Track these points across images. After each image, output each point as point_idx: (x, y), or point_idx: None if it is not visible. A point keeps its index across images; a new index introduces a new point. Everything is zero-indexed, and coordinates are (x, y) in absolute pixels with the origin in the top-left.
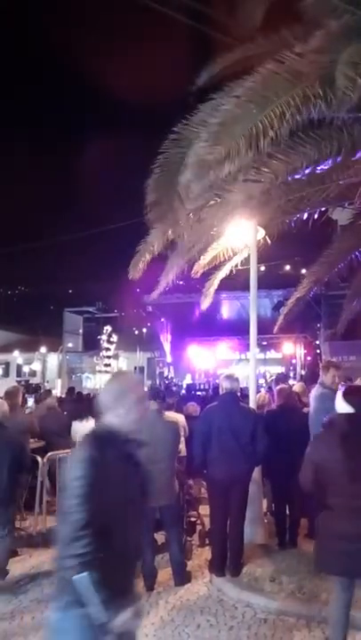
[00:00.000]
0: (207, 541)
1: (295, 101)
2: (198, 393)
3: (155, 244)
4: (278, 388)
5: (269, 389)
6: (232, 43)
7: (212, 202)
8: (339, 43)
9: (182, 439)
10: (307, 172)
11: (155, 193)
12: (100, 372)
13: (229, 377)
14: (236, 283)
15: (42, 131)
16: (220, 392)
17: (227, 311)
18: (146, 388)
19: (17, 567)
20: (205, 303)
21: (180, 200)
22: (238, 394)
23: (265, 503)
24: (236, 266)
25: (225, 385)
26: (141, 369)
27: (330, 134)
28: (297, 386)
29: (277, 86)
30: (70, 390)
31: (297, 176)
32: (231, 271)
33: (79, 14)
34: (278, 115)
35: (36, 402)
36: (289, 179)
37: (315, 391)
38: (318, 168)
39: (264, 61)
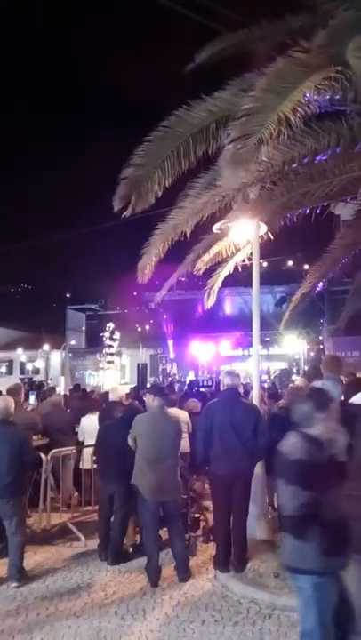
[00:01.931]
0: (211, 537)
1: (315, 83)
2: (202, 389)
3: (160, 246)
4: (291, 386)
5: (265, 388)
6: (232, 30)
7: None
8: (343, 36)
9: (185, 435)
10: (308, 167)
11: (138, 170)
12: (103, 369)
13: (230, 373)
14: (238, 279)
15: (43, 129)
16: (221, 388)
17: (229, 307)
18: (149, 385)
19: None
20: (210, 302)
21: (163, 175)
22: (241, 390)
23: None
24: (243, 261)
25: (226, 381)
26: (144, 366)
27: (330, 126)
28: (299, 381)
29: (293, 77)
30: (76, 387)
31: (296, 166)
32: (236, 268)
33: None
34: (302, 96)
35: (40, 399)
36: (290, 175)
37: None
38: (318, 158)
39: (268, 46)
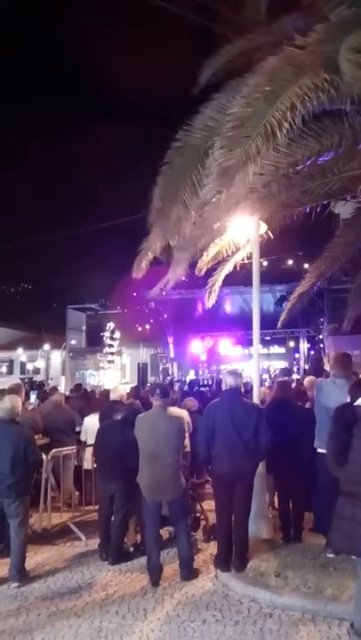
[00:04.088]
0: (212, 537)
1: (303, 90)
2: (202, 389)
3: (157, 243)
4: (278, 380)
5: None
6: (234, 35)
7: (213, 199)
8: (339, 34)
9: (186, 434)
10: (308, 164)
11: (160, 203)
12: (103, 368)
13: (233, 372)
14: (238, 278)
15: (41, 128)
16: (223, 388)
17: (229, 306)
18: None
19: None
20: (211, 301)
21: (185, 208)
22: (242, 389)
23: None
24: (243, 260)
25: (228, 381)
26: (145, 365)
27: (331, 126)
28: (306, 379)
29: (283, 79)
30: (77, 387)
31: (298, 168)
32: (235, 267)
33: (82, 4)
34: (289, 106)
35: (41, 399)
36: (290, 172)
37: None
38: (320, 159)
39: (267, 52)
